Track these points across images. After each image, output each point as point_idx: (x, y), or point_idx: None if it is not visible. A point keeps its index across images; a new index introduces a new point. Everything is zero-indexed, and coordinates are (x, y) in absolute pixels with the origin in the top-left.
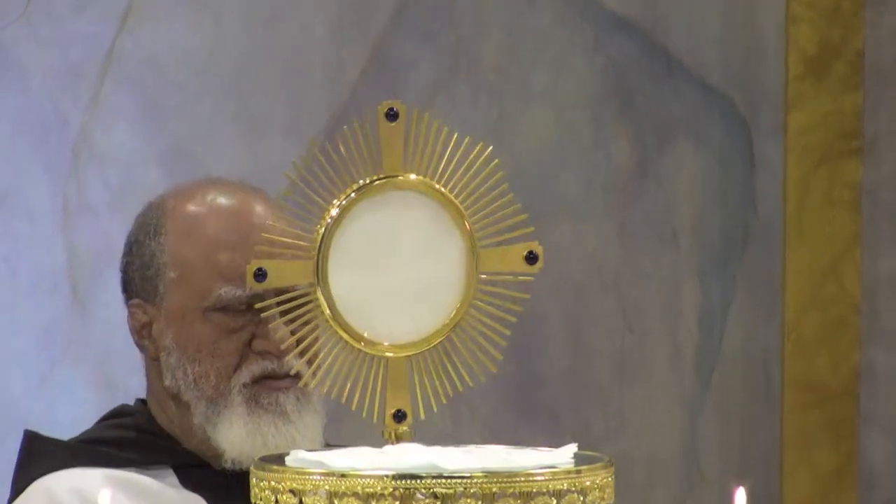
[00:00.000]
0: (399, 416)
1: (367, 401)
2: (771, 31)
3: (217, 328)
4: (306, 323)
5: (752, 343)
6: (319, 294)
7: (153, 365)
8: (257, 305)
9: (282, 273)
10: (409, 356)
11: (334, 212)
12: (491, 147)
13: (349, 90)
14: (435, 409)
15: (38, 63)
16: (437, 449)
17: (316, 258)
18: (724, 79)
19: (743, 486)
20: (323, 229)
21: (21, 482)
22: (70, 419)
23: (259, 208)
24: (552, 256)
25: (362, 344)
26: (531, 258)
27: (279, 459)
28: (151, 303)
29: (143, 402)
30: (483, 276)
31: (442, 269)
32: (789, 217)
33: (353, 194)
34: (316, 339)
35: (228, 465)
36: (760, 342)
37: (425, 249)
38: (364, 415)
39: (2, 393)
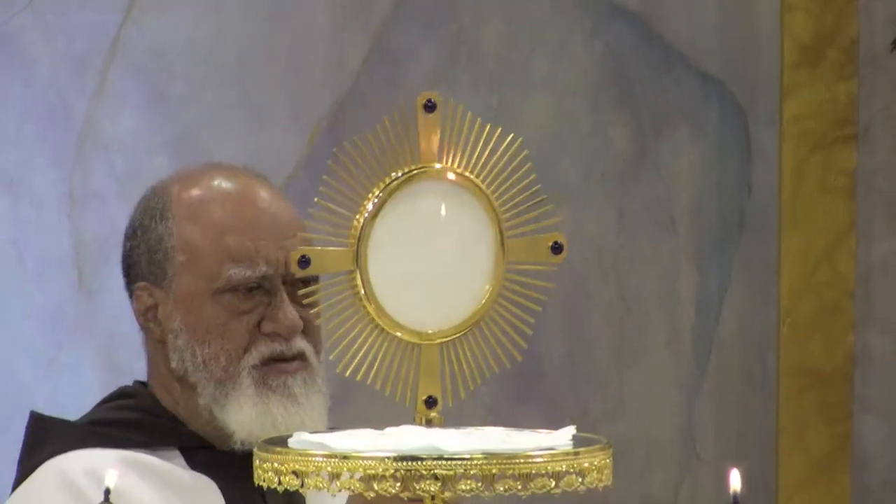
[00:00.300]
0: (430, 403)
1: (399, 387)
2: (767, 20)
3: (226, 310)
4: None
5: (748, 327)
6: (358, 281)
7: (158, 347)
8: (301, 292)
9: (323, 260)
10: (440, 343)
11: (373, 201)
12: (521, 139)
13: (351, 79)
14: (462, 396)
15: (44, 52)
16: (437, 431)
17: (356, 247)
18: (720, 67)
19: (738, 468)
20: (362, 218)
21: (29, 463)
22: (76, 402)
23: (263, 192)
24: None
25: (398, 331)
26: (556, 248)
27: (282, 441)
28: (158, 286)
29: (142, 384)
30: (511, 265)
31: (473, 258)
32: (784, 204)
33: (391, 184)
34: (357, 322)
35: (238, 447)
36: (756, 327)
37: (458, 239)
38: (397, 400)
39: (9, 376)
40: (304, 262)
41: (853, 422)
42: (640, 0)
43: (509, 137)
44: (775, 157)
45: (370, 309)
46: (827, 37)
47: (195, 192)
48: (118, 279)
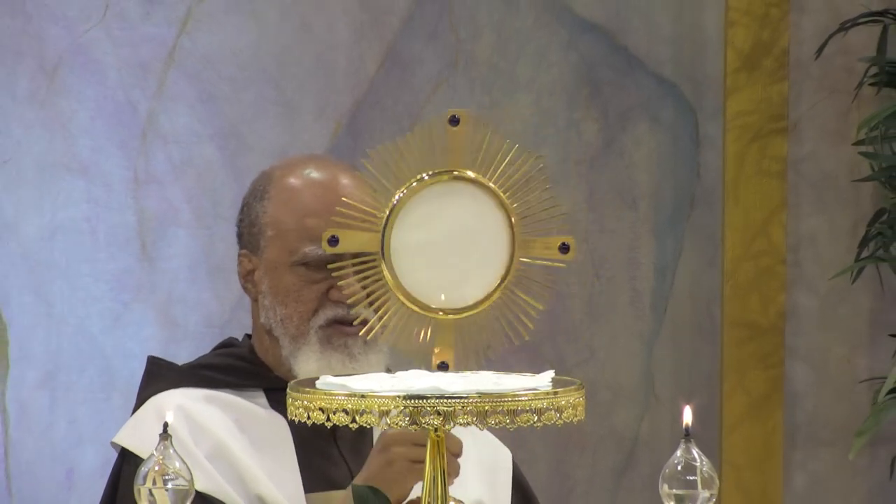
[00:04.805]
0: (443, 367)
1: (417, 352)
2: (713, 33)
3: (301, 279)
4: (377, 280)
5: (698, 288)
6: (382, 262)
7: (254, 305)
8: (330, 266)
9: (351, 241)
10: (454, 319)
11: (400, 194)
12: (537, 155)
13: (368, 81)
14: (474, 367)
15: (114, 60)
16: (439, 374)
17: (382, 232)
18: (674, 72)
19: (690, 405)
20: (389, 209)
21: (141, 398)
22: (139, 351)
23: (345, 181)
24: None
25: (415, 306)
26: (564, 248)
27: (310, 383)
28: (255, 254)
29: (248, 335)
30: (523, 260)
31: (488, 251)
32: (728, 185)
33: (417, 182)
34: (383, 295)
35: None
36: (704, 287)
37: (475, 233)
38: (415, 363)
39: (83, 330)
40: (333, 240)
41: (784, 367)
42: (608, 17)
43: (525, 152)
44: (720, 146)
45: (392, 285)
46: (763, 47)
47: (289, 178)
48: (175, 249)
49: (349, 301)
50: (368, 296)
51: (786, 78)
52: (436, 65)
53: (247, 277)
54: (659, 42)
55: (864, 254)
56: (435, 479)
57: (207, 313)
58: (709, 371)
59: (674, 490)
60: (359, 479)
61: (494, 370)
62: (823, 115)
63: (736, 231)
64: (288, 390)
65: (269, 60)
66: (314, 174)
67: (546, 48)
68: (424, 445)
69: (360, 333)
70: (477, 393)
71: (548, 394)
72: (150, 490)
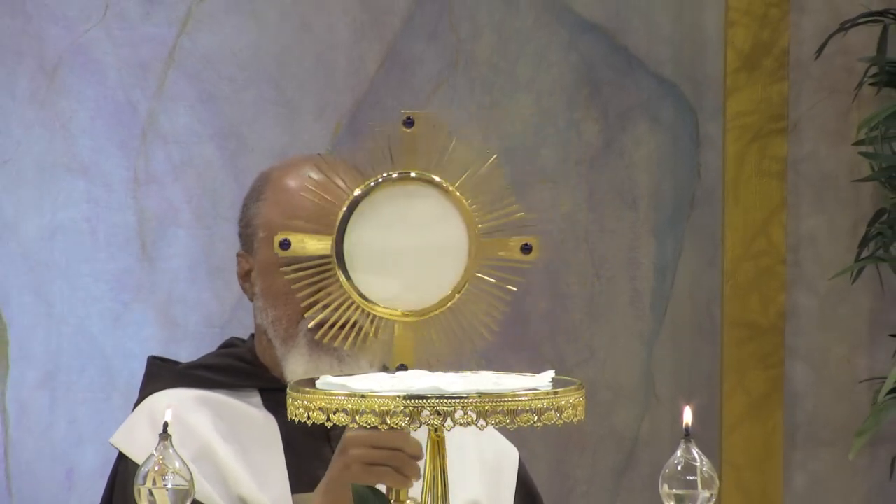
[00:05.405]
0: (401, 369)
1: (377, 355)
2: (713, 33)
3: (290, 281)
4: (334, 283)
5: (698, 288)
6: (336, 265)
7: (252, 306)
8: (282, 269)
9: (304, 245)
10: (414, 322)
11: (354, 198)
12: (496, 156)
13: (368, 82)
14: (432, 368)
15: (114, 60)
16: (439, 374)
17: (336, 234)
18: (674, 72)
19: (690, 406)
20: (343, 211)
21: (139, 398)
22: (139, 351)
23: (340, 182)
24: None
25: (374, 309)
26: (526, 249)
27: (310, 383)
28: (250, 254)
29: (253, 335)
30: (486, 261)
31: (447, 252)
32: (728, 185)
33: (372, 184)
34: (339, 297)
35: None
36: (704, 287)
37: (434, 235)
38: (370, 365)
39: (84, 330)
40: (284, 244)
41: (784, 367)
42: (608, 16)
43: (487, 152)
44: (720, 146)
45: (347, 288)
46: (763, 47)
47: (284, 179)
48: (175, 249)
49: (303, 304)
50: (328, 297)
51: (786, 78)
52: (436, 65)
53: (245, 278)
54: (659, 42)
55: (864, 254)
56: (435, 478)
57: (207, 313)
58: (709, 371)
59: (674, 490)
60: (321, 484)
61: (494, 370)
62: (823, 115)
63: (736, 231)
64: (288, 390)
65: (269, 60)
66: (309, 175)
67: (546, 48)
68: (382, 448)
69: (316, 337)
70: (477, 393)
71: (548, 394)
72: (150, 490)
